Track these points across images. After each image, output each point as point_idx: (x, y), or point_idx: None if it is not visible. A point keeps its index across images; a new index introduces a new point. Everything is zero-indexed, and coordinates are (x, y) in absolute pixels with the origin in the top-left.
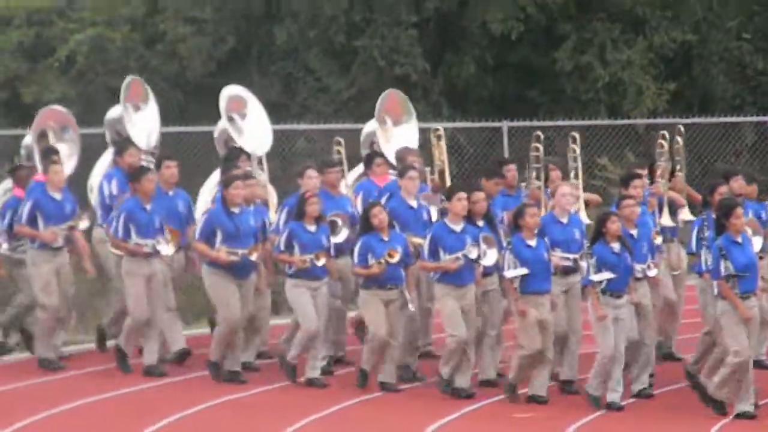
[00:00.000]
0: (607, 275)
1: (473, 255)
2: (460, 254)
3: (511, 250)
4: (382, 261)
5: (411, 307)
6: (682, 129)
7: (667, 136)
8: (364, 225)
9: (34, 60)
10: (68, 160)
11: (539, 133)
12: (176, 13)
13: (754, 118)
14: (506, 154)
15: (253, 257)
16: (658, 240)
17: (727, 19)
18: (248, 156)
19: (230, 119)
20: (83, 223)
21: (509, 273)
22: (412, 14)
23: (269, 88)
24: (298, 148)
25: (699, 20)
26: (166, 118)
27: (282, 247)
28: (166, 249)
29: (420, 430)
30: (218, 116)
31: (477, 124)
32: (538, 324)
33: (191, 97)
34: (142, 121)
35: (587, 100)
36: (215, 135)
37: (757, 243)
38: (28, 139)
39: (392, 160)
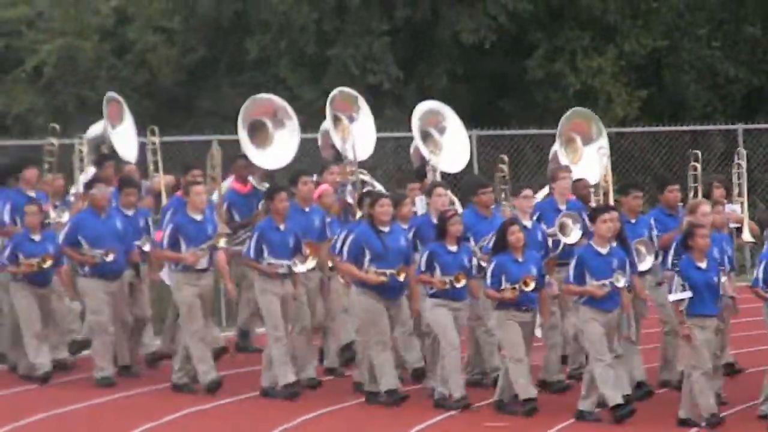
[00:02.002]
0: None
1: (621, 283)
2: (607, 282)
3: (679, 272)
4: (517, 287)
5: (538, 332)
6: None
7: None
8: (498, 243)
9: (2, 70)
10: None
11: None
12: (145, 22)
13: (724, 127)
14: (475, 164)
15: (401, 278)
16: None
17: (697, 26)
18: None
19: (425, 135)
20: (223, 241)
21: (673, 297)
22: (383, 23)
23: (239, 98)
24: None
25: (670, 28)
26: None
27: (423, 268)
28: (302, 267)
29: None
30: (191, 126)
31: None
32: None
33: (163, 107)
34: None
35: (558, 109)
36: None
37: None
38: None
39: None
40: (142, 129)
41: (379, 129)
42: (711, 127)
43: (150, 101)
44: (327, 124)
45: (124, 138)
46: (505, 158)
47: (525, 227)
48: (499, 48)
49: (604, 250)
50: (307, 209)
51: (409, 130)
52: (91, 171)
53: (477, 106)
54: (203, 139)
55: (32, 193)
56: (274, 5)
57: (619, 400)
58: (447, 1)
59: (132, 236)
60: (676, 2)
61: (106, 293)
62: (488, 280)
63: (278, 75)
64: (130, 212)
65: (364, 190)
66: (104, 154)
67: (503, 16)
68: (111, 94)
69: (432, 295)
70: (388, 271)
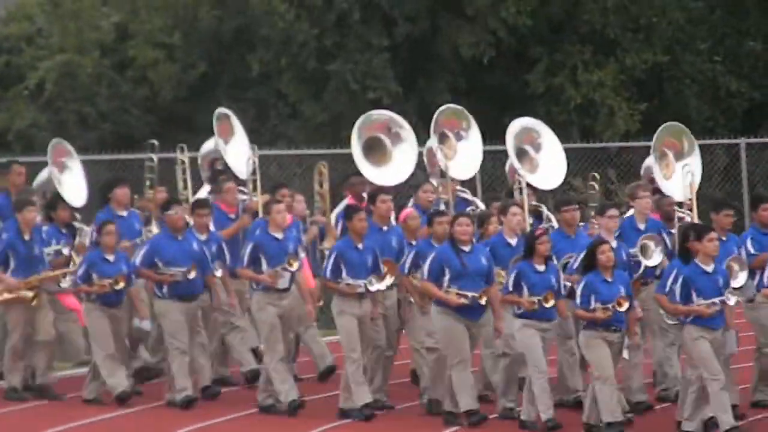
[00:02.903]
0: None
1: (732, 302)
2: (717, 300)
3: None
4: (610, 308)
5: (625, 354)
6: None
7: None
8: (587, 262)
9: (3, 88)
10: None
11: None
12: (146, 38)
13: (726, 141)
14: (478, 178)
15: (482, 302)
16: None
17: (698, 40)
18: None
19: (520, 152)
20: (296, 263)
21: None
22: (383, 38)
23: (241, 114)
24: (271, 174)
25: (671, 42)
26: (141, 144)
27: (510, 288)
28: (379, 286)
29: None
30: (194, 141)
31: None
32: None
33: (164, 123)
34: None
35: (560, 122)
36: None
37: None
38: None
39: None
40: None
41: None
42: (714, 141)
43: (151, 117)
44: (432, 141)
45: (237, 154)
46: (597, 175)
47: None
48: (500, 62)
49: (709, 269)
50: (384, 228)
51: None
52: (206, 188)
53: (479, 121)
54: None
55: (123, 213)
56: (274, 21)
57: (733, 423)
58: (447, 16)
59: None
60: (677, 16)
61: (183, 315)
62: (578, 300)
63: (280, 91)
64: (203, 236)
65: (469, 209)
66: (218, 170)
67: (503, 31)
68: (221, 110)
69: (520, 316)
70: (469, 294)
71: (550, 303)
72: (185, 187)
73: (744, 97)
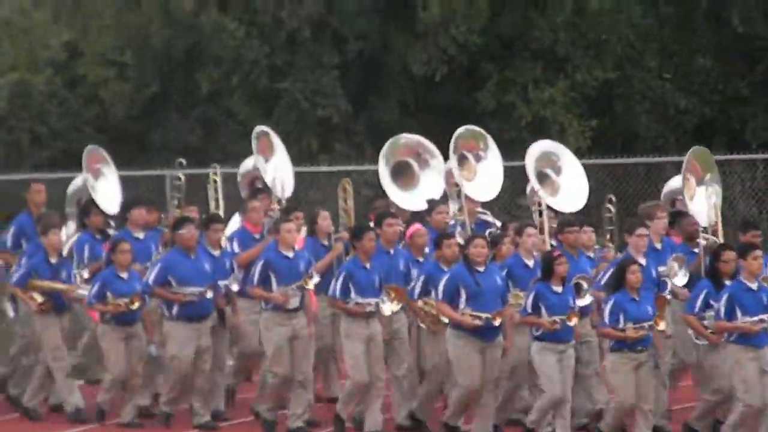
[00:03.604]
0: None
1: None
2: (765, 317)
3: None
4: (646, 327)
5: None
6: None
7: None
8: (616, 281)
9: None
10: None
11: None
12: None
13: (677, 158)
14: None
15: (496, 323)
16: None
17: (648, 58)
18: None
19: (541, 176)
20: (312, 282)
21: None
22: (334, 56)
23: (190, 132)
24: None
25: (620, 59)
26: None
27: (529, 309)
28: (388, 308)
29: None
30: (144, 161)
31: None
32: None
33: (115, 141)
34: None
35: (511, 140)
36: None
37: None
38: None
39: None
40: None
41: (330, 163)
42: (664, 159)
43: (102, 135)
44: (451, 162)
45: (277, 172)
46: (613, 198)
47: (640, 265)
48: (451, 80)
49: (754, 286)
50: (391, 251)
51: (361, 164)
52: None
53: (429, 137)
54: (156, 174)
55: (140, 235)
56: (224, 39)
57: None
58: (397, 34)
59: (218, 277)
60: (627, 33)
61: (193, 336)
62: (606, 319)
63: (231, 109)
64: (216, 252)
65: (489, 231)
66: (258, 188)
67: (454, 48)
68: (260, 128)
69: (538, 338)
70: (483, 315)
71: (573, 322)
72: (217, 207)
73: (694, 114)
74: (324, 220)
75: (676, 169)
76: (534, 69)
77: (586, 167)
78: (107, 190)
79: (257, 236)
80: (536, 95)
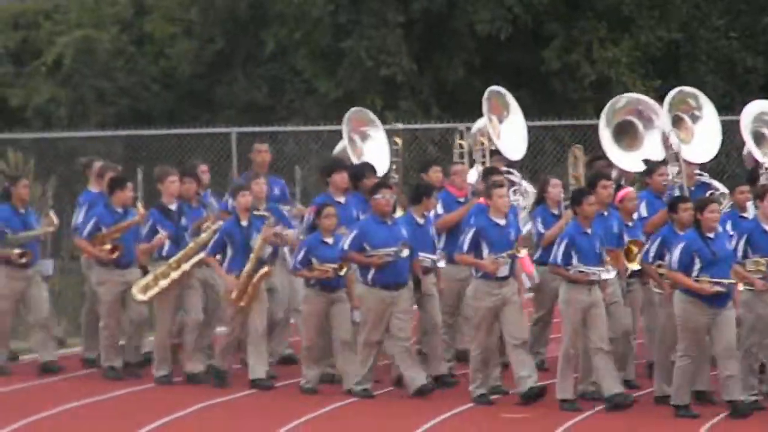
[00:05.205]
0: None
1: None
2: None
3: None
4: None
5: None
6: None
7: None
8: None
9: (20, 64)
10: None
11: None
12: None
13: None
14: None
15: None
16: None
17: (714, 17)
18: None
19: (758, 137)
20: (524, 251)
21: None
22: (399, 14)
23: (256, 90)
24: (288, 150)
25: (686, 19)
26: (158, 120)
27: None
28: (608, 274)
29: (411, 431)
30: (206, 118)
31: (465, 124)
32: None
33: (181, 99)
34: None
35: (575, 99)
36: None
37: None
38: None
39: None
40: (169, 121)
41: (396, 120)
42: (731, 117)
43: (169, 93)
44: (666, 124)
45: (512, 133)
46: None
47: None
48: (515, 39)
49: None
50: (605, 213)
51: (425, 122)
52: (477, 168)
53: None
54: (222, 131)
55: (341, 199)
56: None
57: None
58: None
59: (418, 246)
60: None
61: (385, 304)
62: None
63: (295, 67)
64: (421, 220)
65: (709, 194)
66: (492, 150)
67: (519, 7)
68: (493, 88)
69: None
70: (725, 281)
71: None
72: (398, 170)
73: (760, 73)
74: (554, 187)
75: None
76: (599, 29)
77: None
78: (375, 150)
79: (461, 199)
80: (601, 55)
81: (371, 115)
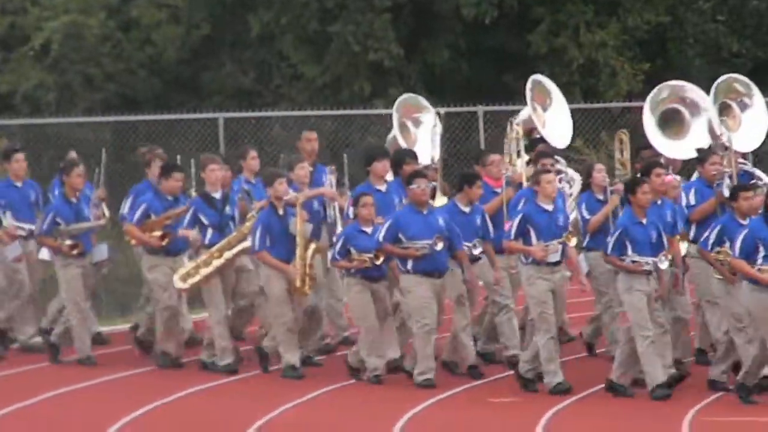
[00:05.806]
0: None
1: None
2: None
3: None
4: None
5: None
6: None
7: None
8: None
9: (8, 49)
10: None
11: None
12: None
13: None
14: (482, 139)
15: None
16: None
17: (701, 1)
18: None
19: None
20: (574, 240)
21: None
22: None
23: (243, 75)
24: (274, 134)
25: (673, 2)
26: (145, 105)
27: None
28: (664, 264)
29: (398, 416)
30: (194, 103)
31: (452, 109)
32: None
33: (167, 85)
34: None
35: (562, 83)
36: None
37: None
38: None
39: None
40: (156, 107)
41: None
42: None
43: (155, 78)
44: (712, 112)
45: (556, 122)
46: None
47: None
48: (502, 23)
49: None
50: (659, 202)
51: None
52: (524, 157)
53: (480, 81)
54: (210, 116)
55: (381, 187)
56: None
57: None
58: None
59: (466, 236)
60: None
61: (432, 291)
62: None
63: (282, 52)
64: (466, 209)
65: (753, 182)
66: (536, 139)
67: None
68: (535, 77)
69: None
70: None
71: None
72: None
73: (747, 57)
74: (599, 172)
75: None
76: (586, 12)
77: (638, 110)
78: (425, 137)
79: (498, 189)
80: (588, 38)
81: (422, 100)
